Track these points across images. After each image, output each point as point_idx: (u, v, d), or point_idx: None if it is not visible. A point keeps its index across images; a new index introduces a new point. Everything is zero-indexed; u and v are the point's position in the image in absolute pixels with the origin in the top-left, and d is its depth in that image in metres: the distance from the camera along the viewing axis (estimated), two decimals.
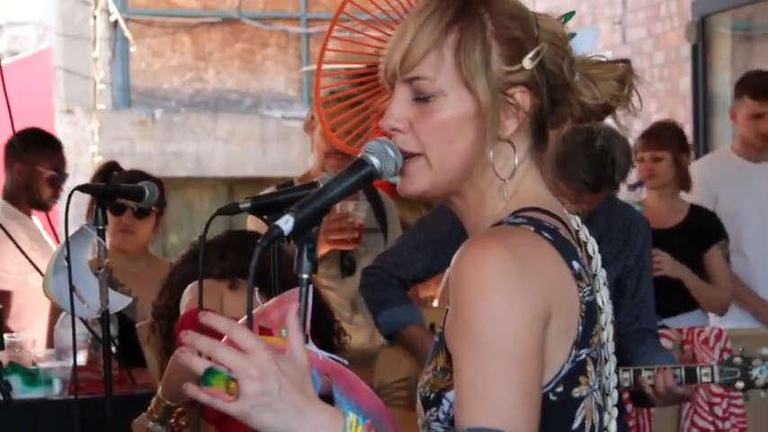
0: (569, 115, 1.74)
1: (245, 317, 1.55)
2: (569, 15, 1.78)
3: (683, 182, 4.87)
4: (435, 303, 4.57)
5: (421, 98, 1.67)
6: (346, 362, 1.60)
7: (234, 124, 11.22)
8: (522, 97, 1.68)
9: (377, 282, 3.60)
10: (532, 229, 1.63)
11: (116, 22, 9.97)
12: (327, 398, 1.61)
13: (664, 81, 7.40)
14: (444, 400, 1.61)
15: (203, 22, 11.59)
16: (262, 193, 3.11)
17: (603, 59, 1.76)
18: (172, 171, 10.64)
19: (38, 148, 4.84)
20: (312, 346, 1.64)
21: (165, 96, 11.39)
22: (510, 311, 1.53)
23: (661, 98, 7.37)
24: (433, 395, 1.63)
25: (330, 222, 4.09)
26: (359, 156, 1.69)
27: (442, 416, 1.61)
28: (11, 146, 4.79)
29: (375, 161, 1.67)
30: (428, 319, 3.63)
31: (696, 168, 5.08)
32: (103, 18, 9.14)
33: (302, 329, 1.64)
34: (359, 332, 3.99)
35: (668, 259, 4.59)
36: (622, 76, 1.73)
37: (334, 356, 1.61)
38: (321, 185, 1.72)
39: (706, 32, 7.29)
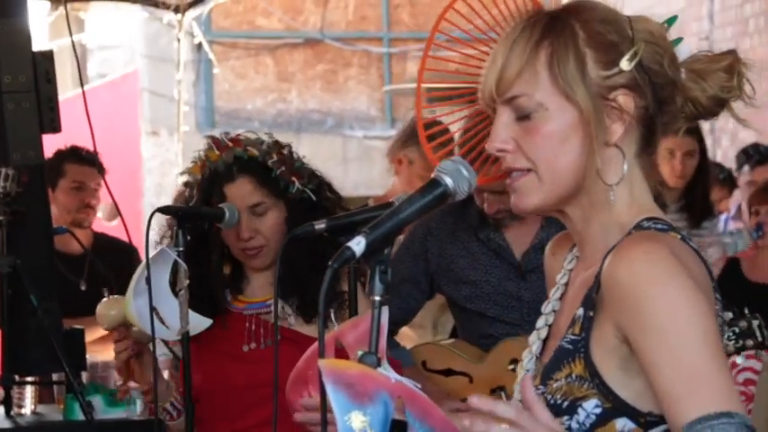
0: (680, 114, 1.72)
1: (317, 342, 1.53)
2: (672, 20, 1.79)
3: None
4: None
5: (523, 116, 1.67)
6: (419, 385, 1.57)
7: (316, 144, 11.27)
8: (624, 100, 1.67)
9: None
10: (679, 237, 1.63)
11: (200, 45, 10.08)
12: (401, 422, 1.58)
13: None
14: (581, 410, 1.60)
15: (286, 43, 11.67)
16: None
17: (708, 53, 1.75)
18: None
19: None
20: (385, 370, 1.61)
21: (249, 117, 11.47)
22: (691, 304, 1.54)
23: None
24: (566, 403, 1.61)
25: None
26: (432, 176, 1.67)
27: (575, 425, 1.60)
28: None
29: (448, 181, 1.65)
30: (419, 357, 3.53)
31: None
32: (188, 41, 9.24)
33: (375, 352, 1.62)
34: None
35: None
36: (729, 65, 1.71)
37: (406, 380, 1.58)
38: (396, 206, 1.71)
39: None
